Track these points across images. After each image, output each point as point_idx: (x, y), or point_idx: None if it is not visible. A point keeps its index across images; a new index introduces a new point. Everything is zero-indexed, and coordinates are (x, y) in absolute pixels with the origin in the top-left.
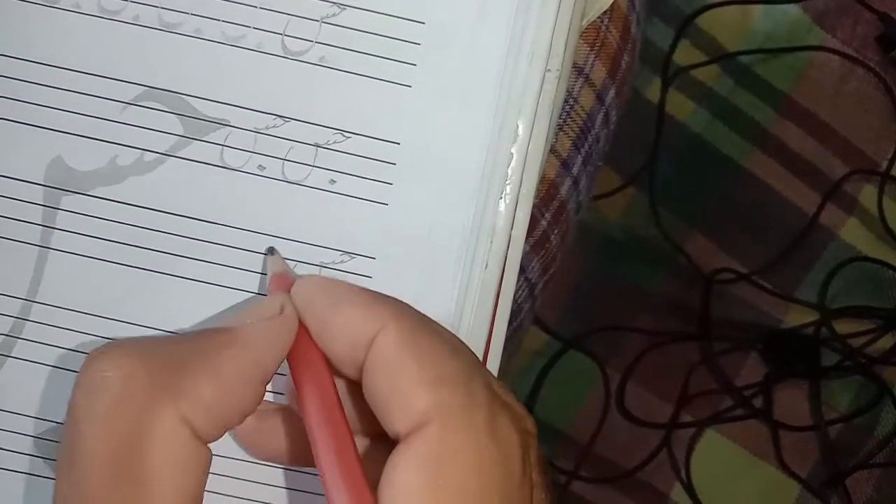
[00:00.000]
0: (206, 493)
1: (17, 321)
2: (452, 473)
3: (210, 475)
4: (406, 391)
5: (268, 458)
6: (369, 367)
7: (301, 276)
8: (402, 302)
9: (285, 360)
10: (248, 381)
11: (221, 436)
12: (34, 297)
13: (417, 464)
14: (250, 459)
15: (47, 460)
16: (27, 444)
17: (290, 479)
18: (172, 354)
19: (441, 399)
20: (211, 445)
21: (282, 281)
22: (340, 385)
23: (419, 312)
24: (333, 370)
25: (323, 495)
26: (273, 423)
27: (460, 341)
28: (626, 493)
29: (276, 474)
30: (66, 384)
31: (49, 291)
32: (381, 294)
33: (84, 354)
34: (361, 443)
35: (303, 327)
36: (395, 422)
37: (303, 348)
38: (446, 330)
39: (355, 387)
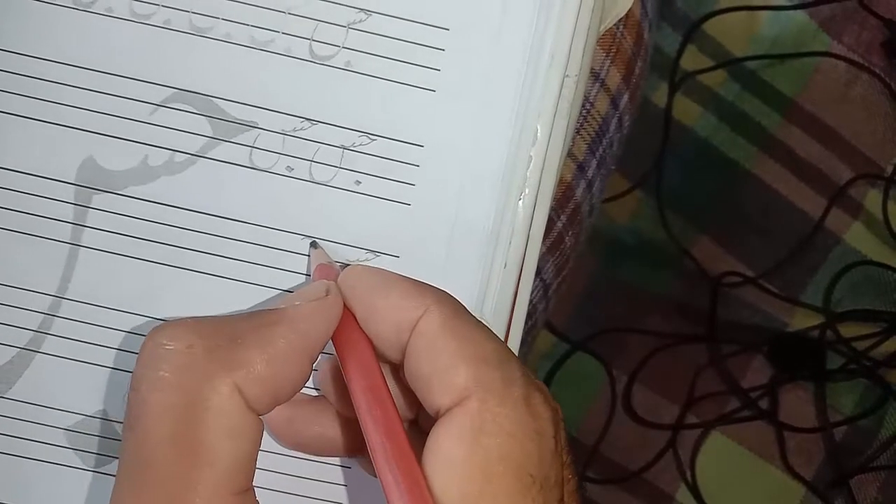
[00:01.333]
0: None
1: (47, 317)
2: (492, 443)
3: None
4: (447, 368)
5: (298, 447)
6: (412, 348)
7: (347, 265)
8: (442, 290)
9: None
10: (297, 356)
11: (271, 409)
12: (64, 293)
13: (459, 435)
14: (280, 450)
15: (77, 452)
16: (58, 437)
17: (320, 470)
18: (227, 331)
19: (480, 375)
20: None
21: (325, 270)
22: (384, 370)
23: (458, 300)
24: (377, 354)
25: (348, 486)
26: (305, 412)
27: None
28: (631, 494)
29: (305, 465)
30: (94, 378)
31: (79, 288)
32: (423, 282)
33: (112, 350)
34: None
35: (348, 313)
36: (435, 398)
37: (349, 332)
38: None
39: (396, 373)
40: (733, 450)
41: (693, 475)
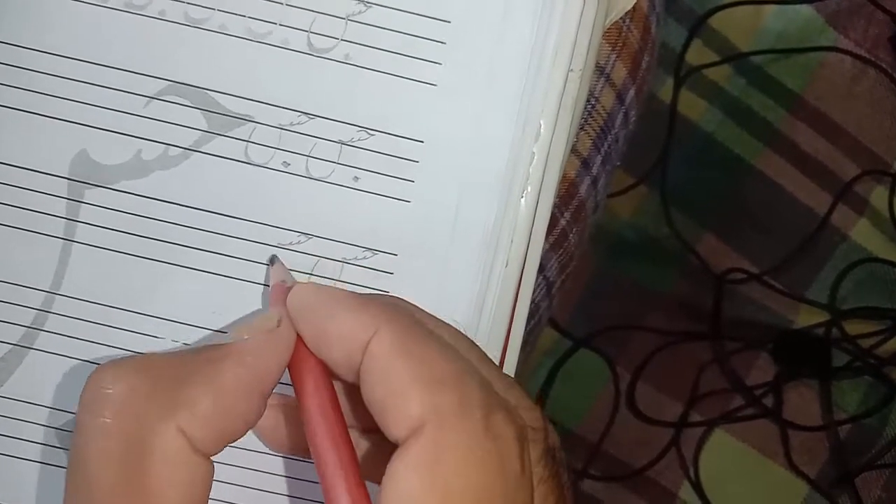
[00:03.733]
0: (226, 485)
1: (39, 313)
2: (451, 475)
3: (228, 467)
4: (400, 396)
5: (289, 451)
6: (365, 373)
7: (296, 285)
8: (396, 303)
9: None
10: (246, 393)
11: (221, 449)
12: (57, 289)
13: (416, 468)
14: (269, 452)
15: (68, 451)
16: (49, 435)
17: (311, 471)
18: (171, 369)
19: (434, 402)
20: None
21: (283, 290)
22: (343, 386)
23: (413, 313)
24: (333, 375)
25: None
26: (293, 416)
27: (460, 337)
28: (634, 492)
29: (296, 466)
30: (87, 376)
31: (72, 284)
32: (374, 297)
33: (106, 346)
34: (365, 441)
35: (301, 337)
36: (392, 428)
37: (302, 358)
38: (444, 327)
39: (356, 387)
40: (737, 448)
41: (696, 473)
